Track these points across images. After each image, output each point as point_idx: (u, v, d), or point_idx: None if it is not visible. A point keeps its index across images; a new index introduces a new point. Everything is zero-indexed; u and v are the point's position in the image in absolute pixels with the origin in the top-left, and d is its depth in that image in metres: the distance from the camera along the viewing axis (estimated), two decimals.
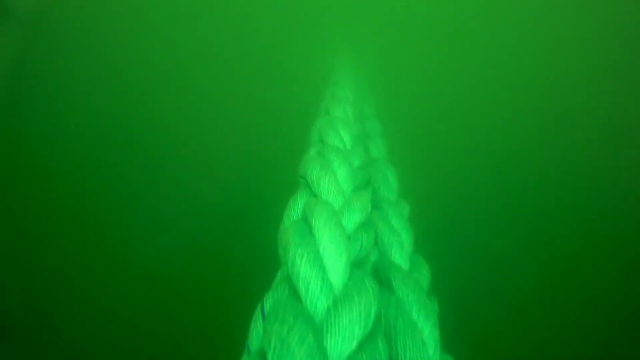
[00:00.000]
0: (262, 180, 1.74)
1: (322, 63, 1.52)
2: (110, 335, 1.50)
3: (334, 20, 1.93)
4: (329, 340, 0.31)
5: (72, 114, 1.91)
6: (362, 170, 0.54)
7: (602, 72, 1.93)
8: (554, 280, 1.60)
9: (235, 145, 1.83)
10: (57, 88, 1.95)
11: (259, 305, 0.36)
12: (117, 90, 1.94)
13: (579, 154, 1.84)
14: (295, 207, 0.44)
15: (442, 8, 2.01)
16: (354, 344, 0.32)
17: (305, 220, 0.40)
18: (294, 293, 0.34)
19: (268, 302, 0.35)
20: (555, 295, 1.59)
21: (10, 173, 1.79)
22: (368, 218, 0.45)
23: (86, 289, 1.59)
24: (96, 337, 1.51)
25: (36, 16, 1.91)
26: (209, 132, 1.87)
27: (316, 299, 0.32)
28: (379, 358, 0.34)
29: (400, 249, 0.45)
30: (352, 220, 0.42)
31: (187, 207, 1.77)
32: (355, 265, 0.41)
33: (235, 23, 1.99)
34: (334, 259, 0.35)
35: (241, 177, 1.82)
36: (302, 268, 0.34)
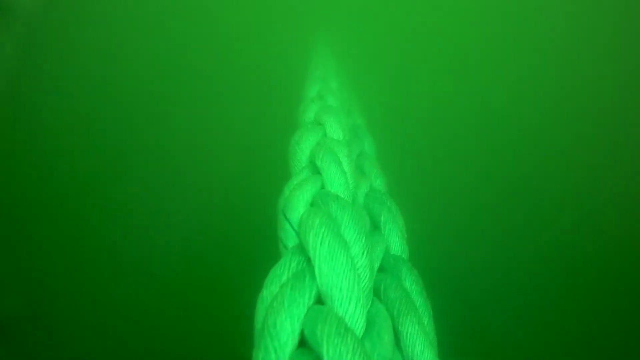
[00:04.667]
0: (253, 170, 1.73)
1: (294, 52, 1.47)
2: (110, 335, 1.50)
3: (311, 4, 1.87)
4: None
5: (72, 113, 1.90)
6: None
7: None
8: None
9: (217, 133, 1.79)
10: (58, 88, 1.94)
11: None
12: (118, 89, 1.92)
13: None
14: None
15: None
16: None
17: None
18: None
19: None
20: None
21: (10, 173, 1.78)
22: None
23: (87, 289, 1.59)
24: (97, 337, 1.52)
25: (36, 16, 1.88)
26: (210, 125, 1.84)
27: None
28: None
29: (428, 348, 0.40)
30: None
31: (189, 205, 1.76)
32: None
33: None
34: None
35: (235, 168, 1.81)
36: None
